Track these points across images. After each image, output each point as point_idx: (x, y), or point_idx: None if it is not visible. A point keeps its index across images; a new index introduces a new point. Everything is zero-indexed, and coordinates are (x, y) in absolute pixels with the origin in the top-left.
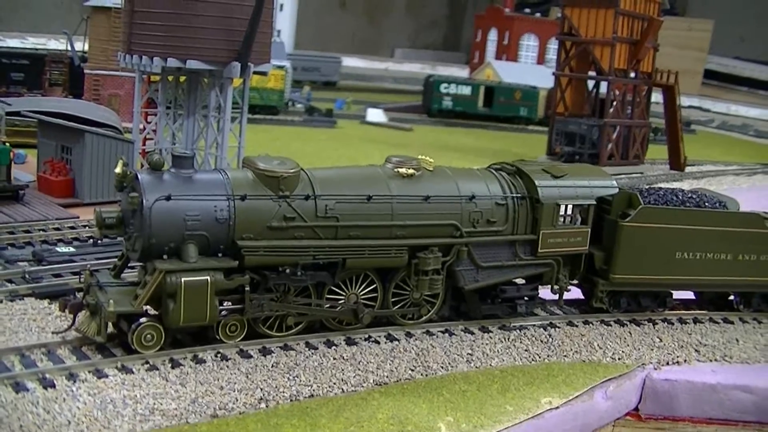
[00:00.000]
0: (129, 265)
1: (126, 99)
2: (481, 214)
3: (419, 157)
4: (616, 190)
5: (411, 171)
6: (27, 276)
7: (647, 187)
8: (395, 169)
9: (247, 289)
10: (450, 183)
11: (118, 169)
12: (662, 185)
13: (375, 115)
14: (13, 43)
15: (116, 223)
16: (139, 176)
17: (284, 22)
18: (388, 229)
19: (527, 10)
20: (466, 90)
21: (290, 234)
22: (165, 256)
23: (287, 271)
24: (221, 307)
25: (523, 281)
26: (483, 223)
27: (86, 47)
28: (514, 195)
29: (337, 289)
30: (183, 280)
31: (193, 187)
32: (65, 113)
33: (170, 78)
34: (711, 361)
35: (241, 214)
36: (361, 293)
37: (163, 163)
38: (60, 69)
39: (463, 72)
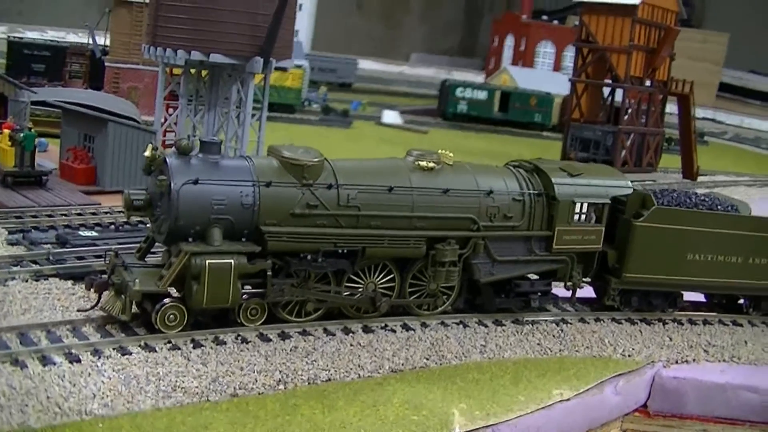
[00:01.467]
0: (152, 249)
1: (145, 92)
2: (498, 209)
3: (439, 151)
4: (631, 190)
5: (431, 164)
6: (51, 257)
7: (661, 188)
8: (416, 162)
9: (269, 273)
10: (469, 177)
11: (147, 153)
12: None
13: (391, 116)
14: (33, 35)
15: (144, 205)
16: (167, 160)
17: (302, 22)
18: (407, 220)
19: (545, 17)
20: (482, 95)
21: (312, 221)
22: (190, 239)
23: (308, 257)
24: (243, 291)
25: (537, 277)
26: (500, 217)
27: (107, 40)
28: (531, 191)
29: (355, 278)
30: (207, 262)
31: (219, 173)
32: (87, 104)
33: (192, 71)
34: (720, 361)
35: (265, 200)
36: (379, 282)
37: (191, 148)
38: (80, 61)
39: (478, 78)
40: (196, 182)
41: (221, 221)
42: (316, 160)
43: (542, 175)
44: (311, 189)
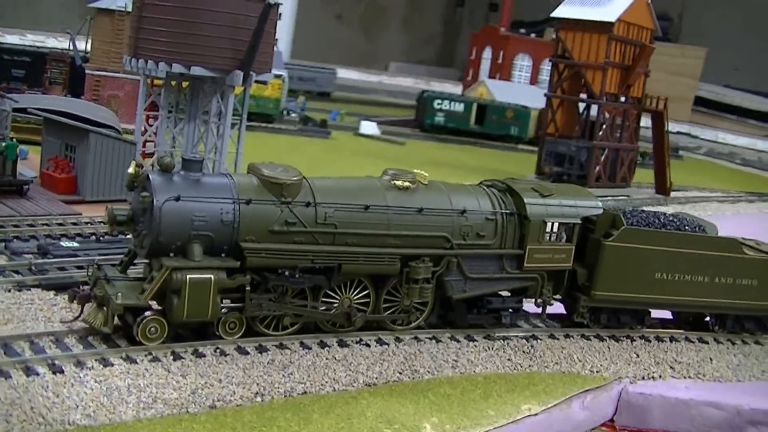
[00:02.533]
0: (134, 261)
1: (125, 101)
2: (472, 228)
3: (415, 171)
4: (601, 210)
5: (407, 184)
6: (33, 268)
7: (631, 208)
8: (392, 181)
9: (248, 288)
10: (443, 197)
11: (130, 170)
12: (646, 209)
13: (369, 127)
14: (13, 39)
15: (127, 221)
16: (150, 177)
17: (282, 31)
18: (383, 237)
19: (522, 31)
20: (459, 107)
21: (290, 238)
22: (171, 254)
23: (286, 273)
24: (222, 305)
25: (509, 293)
26: (473, 236)
27: (88, 45)
28: (504, 211)
29: (332, 293)
30: (188, 277)
31: (201, 190)
32: (68, 112)
33: (173, 83)
34: (685, 377)
35: (245, 218)
36: (355, 298)
37: (173, 165)
38: (60, 68)
39: (456, 88)
40: (177, 199)
41: (202, 237)
42: (294, 178)
43: (515, 195)
44: (290, 207)
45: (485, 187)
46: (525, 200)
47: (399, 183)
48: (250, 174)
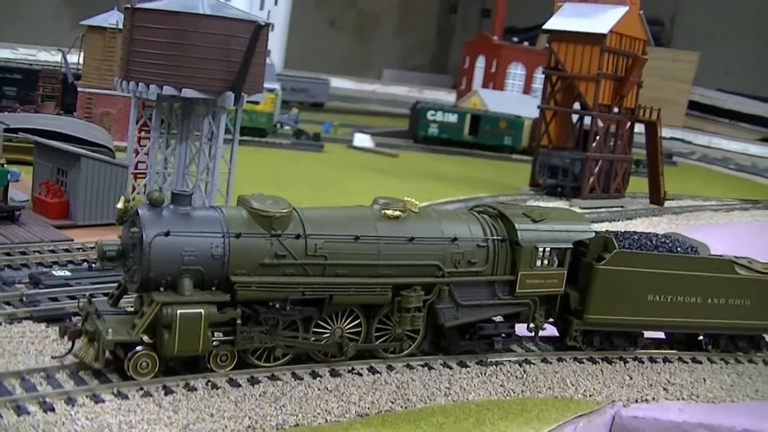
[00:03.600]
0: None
1: (118, 118)
2: (463, 256)
3: (405, 198)
4: (593, 234)
5: (397, 213)
6: (25, 299)
7: (623, 231)
8: (382, 211)
9: (239, 322)
10: (434, 225)
11: (120, 205)
12: (640, 221)
13: (362, 140)
14: (4, 53)
15: (117, 256)
16: (139, 212)
17: (275, 42)
18: (374, 268)
19: (515, 39)
20: (453, 118)
21: (281, 271)
22: (162, 289)
23: (277, 305)
24: (213, 338)
25: (501, 319)
26: (464, 263)
27: (80, 60)
28: (495, 237)
29: (323, 323)
30: (178, 312)
31: (190, 224)
32: (60, 132)
33: (164, 103)
34: (678, 399)
35: (235, 251)
36: (346, 327)
37: (162, 200)
38: (53, 85)
39: (450, 96)
40: (167, 234)
41: (192, 271)
42: (284, 210)
43: (506, 221)
44: (280, 239)
45: (476, 214)
46: (516, 226)
47: (389, 212)
48: (239, 206)
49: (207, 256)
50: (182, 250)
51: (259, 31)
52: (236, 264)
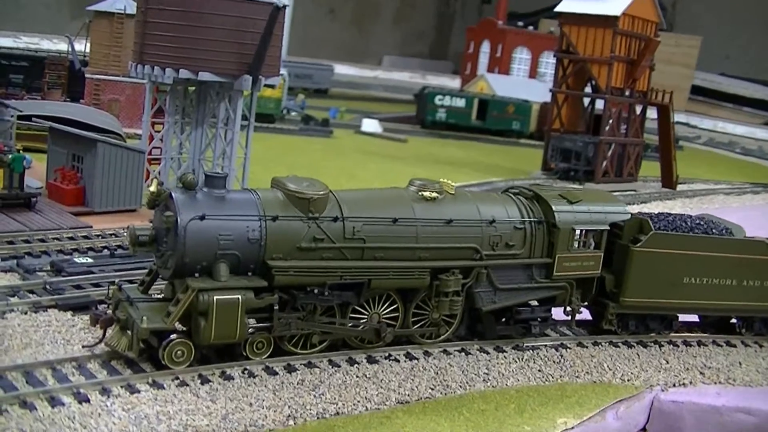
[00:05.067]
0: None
1: (126, 104)
2: (501, 238)
3: (441, 180)
4: (628, 216)
5: (434, 194)
6: (48, 287)
7: (657, 212)
8: (419, 192)
9: (276, 307)
10: (471, 207)
11: (152, 188)
12: (654, 204)
13: (370, 125)
14: (7, 42)
15: (149, 241)
16: (173, 195)
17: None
18: (412, 251)
19: (520, 23)
20: (461, 102)
21: (319, 255)
22: (197, 274)
23: (315, 290)
24: (249, 325)
25: (537, 303)
26: (502, 246)
27: (86, 47)
28: (532, 219)
29: (360, 308)
30: (215, 298)
31: (225, 207)
32: (71, 119)
33: (179, 88)
34: (715, 383)
35: (272, 235)
36: (383, 312)
37: (196, 183)
38: (59, 72)
39: (452, 82)
40: (202, 218)
41: (228, 256)
42: (321, 192)
43: (542, 202)
44: (317, 222)
45: (512, 195)
46: (553, 208)
47: (426, 194)
48: (274, 189)
49: (243, 240)
50: (218, 234)
51: (276, 13)
52: (273, 248)
